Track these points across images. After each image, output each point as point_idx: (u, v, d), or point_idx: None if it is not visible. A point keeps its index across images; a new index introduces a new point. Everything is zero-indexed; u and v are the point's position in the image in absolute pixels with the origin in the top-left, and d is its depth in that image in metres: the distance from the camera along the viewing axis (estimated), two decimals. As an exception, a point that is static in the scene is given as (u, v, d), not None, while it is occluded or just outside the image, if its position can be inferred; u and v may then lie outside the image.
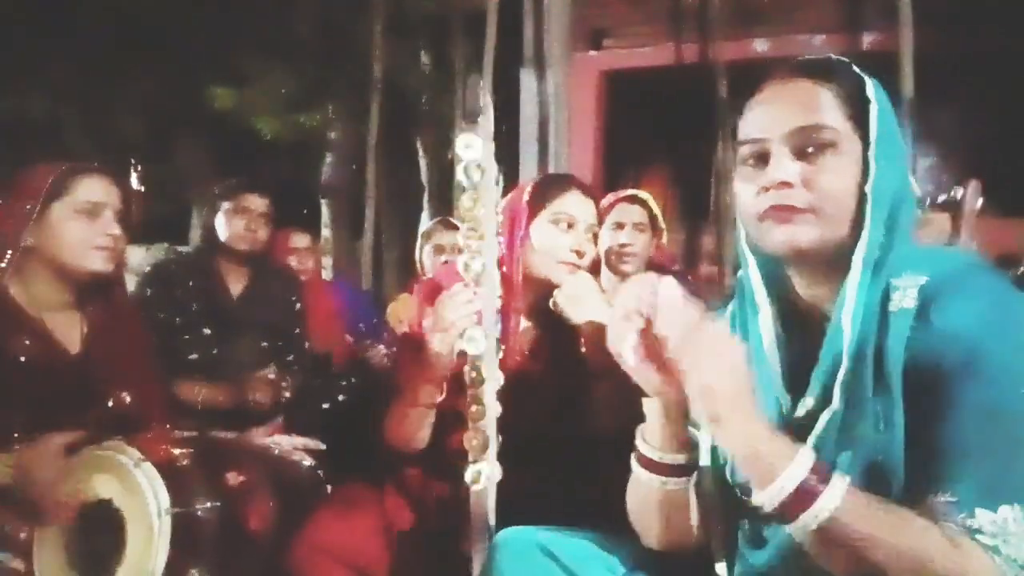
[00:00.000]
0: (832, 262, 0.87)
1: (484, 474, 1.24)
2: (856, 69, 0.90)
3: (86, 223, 1.44)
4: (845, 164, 0.86)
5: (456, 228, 3.09)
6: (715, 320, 0.84)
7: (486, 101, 1.28)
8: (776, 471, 0.77)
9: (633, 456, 0.99)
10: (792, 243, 0.87)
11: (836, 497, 0.75)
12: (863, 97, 0.87)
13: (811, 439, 0.85)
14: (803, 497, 0.76)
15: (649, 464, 0.97)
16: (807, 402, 0.88)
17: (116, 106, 7.29)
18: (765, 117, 0.90)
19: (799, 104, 0.88)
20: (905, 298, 0.82)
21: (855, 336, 0.83)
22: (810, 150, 0.87)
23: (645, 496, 0.99)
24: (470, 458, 1.24)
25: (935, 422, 0.77)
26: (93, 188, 1.46)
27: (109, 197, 1.48)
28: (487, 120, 1.26)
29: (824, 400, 0.85)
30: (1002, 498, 0.74)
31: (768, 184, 0.88)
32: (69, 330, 1.49)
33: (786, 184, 0.87)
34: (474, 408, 1.25)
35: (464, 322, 1.26)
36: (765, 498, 0.78)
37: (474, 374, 1.26)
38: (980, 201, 2.50)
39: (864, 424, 0.82)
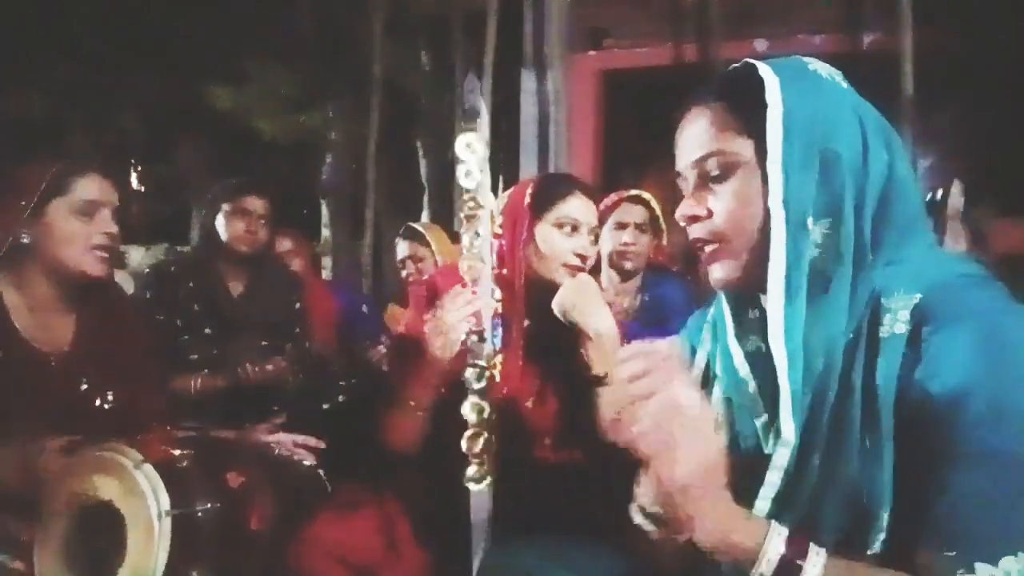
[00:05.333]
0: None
1: (483, 475, 1.24)
2: (761, 71, 0.82)
3: (84, 222, 1.45)
4: (752, 184, 0.82)
5: (414, 236, 3.08)
6: (690, 403, 0.75)
7: (483, 102, 1.28)
8: (753, 556, 0.73)
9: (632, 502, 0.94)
10: (723, 282, 0.86)
11: (815, 571, 0.71)
12: (764, 103, 0.80)
13: (775, 476, 0.81)
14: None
15: (648, 516, 0.90)
16: (775, 428, 0.83)
17: (116, 106, 7.29)
18: (679, 148, 0.89)
19: (697, 132, 0.86)
20: (896, 322, 0.75)
21: (817, 365, 0.78)
22: (714, 177, 0.84)
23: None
24: (470, 459, 1.24)
25: (930, 466, 0.72)
26: (91, 187, 1.47)
27: (106, 196, 1.49)
28: (484, 121, 1.26)
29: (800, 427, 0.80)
30: (1003, 550, 0.68)
31: (679, 219, 0.88)
32: (60, 330, 1.49)
33: (692, 218, 0.87)
34: (474, 409, 1.26)
35: (463, 324, 1.26)
36: None
37: (475, 375, 1.26)
38: (962, 202, 2.50)
39: (848, 460, 0.77)
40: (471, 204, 1.26)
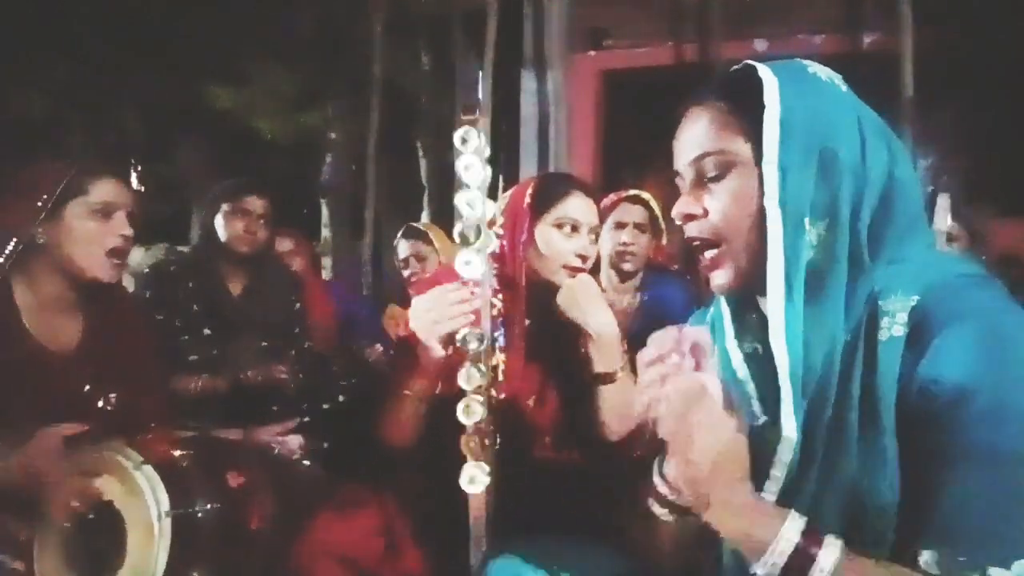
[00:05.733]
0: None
1: (481, 477, 1.24)
2: (760, 72, 0.82)
3: (100, 223, 1.47)
4: (749, 183, 0.82)
5: (415, 234, 3.08)
6: (709, 393, 0.77)
7: (484, 94, 1.26)
8: (768, 544, 0.73)
9: (647, 488, 0.94)
10: (724, 287, 0.86)
11: (831, 562, 0.71)
12: (762, 104, 0.80)
13: (779, 472, 0.81)
14: (798, 566, 0.72)
15: (664, 502, 0.92)
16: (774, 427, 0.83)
17: (116, 106, 7.29)
18: (677, 148, 0.90)
19: (696, 132, 0.86)
20: (895, 325, 0.75)
21: (817, 364, 0.79)
22: (711, 176, 0.84)
23: (650, 518, 0.95)
24: (467, 460, 1.24)
25: (932, 466, 0.71)
26: (108, 189, 1.49)
27: (122, 198, 1.51)
28: (485, 114, 1.25)
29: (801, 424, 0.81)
30: (1015, 553, 0.67)
31: (675, 217, 0.88)
32: (66, 330, 1.50)
33: (688, 216, 0.87)
34: (472, 409, 1.25)
35: (459, 320, 1.26)
36: (759, 570, 0.74)
37: (472, 374, 1.25)
38: (949, 220, 2.51)
39: (847, 462, 0.77)
40: (468, 200, 1.25)
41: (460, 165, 1.23)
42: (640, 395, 0.80)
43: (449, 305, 1.26)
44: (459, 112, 1.24)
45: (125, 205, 1.51)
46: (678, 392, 0.76)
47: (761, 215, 0.81)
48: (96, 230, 1.46)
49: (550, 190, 1.53)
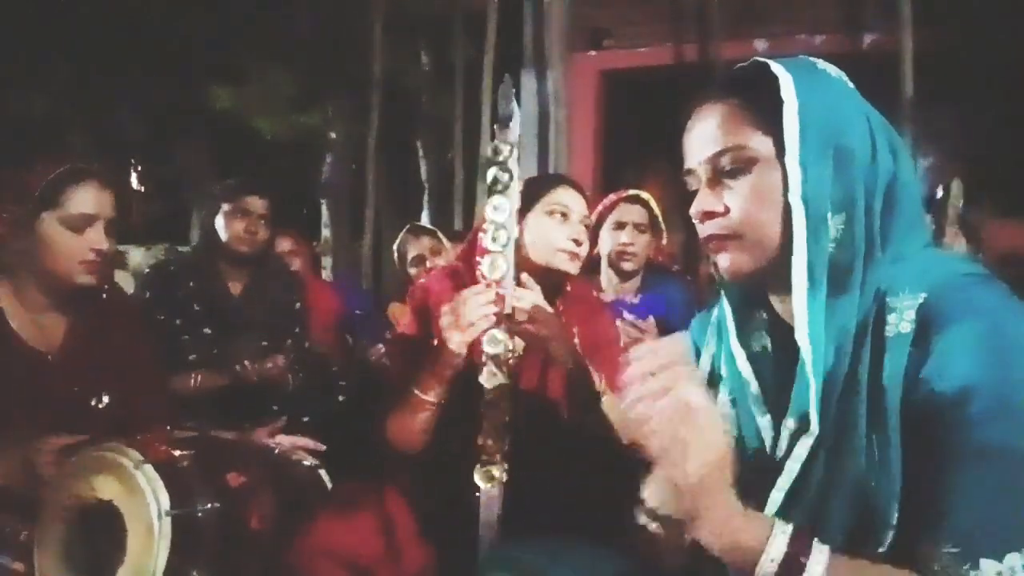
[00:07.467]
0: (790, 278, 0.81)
1: (495, 475, 1.25)
2: (774, 68, 0.82)
3: (74, 236, 1.42)
4: (770, 179, 0.81)
5: (425, 232, 3.09)
6: (693, 410, 0.75)
7: (516, 106, 1.31)
8: (757, 555, 0.74)
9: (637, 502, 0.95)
10: (731, 270, 0.86)
11: (819, 567, 0.72)
12: (778, 99, 0.80)
13: (795, 465, 0.81)
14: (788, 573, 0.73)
15: (652, 515, 0.91)
16: (788, 423, 0.84)
17: (116, 106, 7.30)
18: (688, 146, 0.89)
19: (710, 129, 0.85)
20: (902, 321, 0.76)
21: (830, 357, 0.79)
22: (729, 172, 0.84)
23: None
24: (483, 459, 1.25)
25: (935, 463, 0.72)
26: (85, 199, 1.43)
27: (101, 208, 1.45)
28: (516, 122, 1.29)
29: (806, 423, 0.81)
30: (1008, 546, 0.68)
31: (693, 215, 0.87)
32: (55, 330, 1.49)
33: (707, 215, 0.86)
34: (491, 409, 1.27)
35: (484, 322, 1.28)
36: None
37: (494, 374, 1.27)
38: (961, 201, 2.51)
39: (854, 458, 0.77)
40: (497, 206, 1.28)
41: (490, 174, 1.29)
42: (627, 415, 0.79)
43: (478, 307, 1.28)
44: (493, 124, 1.30)
45: (103, 215, 1.45)
46: (663, 412, 0.75)
47: (783, 210, 0.81)
48: (70, 242, 1.42)
49: (539, 184, 1.59)
